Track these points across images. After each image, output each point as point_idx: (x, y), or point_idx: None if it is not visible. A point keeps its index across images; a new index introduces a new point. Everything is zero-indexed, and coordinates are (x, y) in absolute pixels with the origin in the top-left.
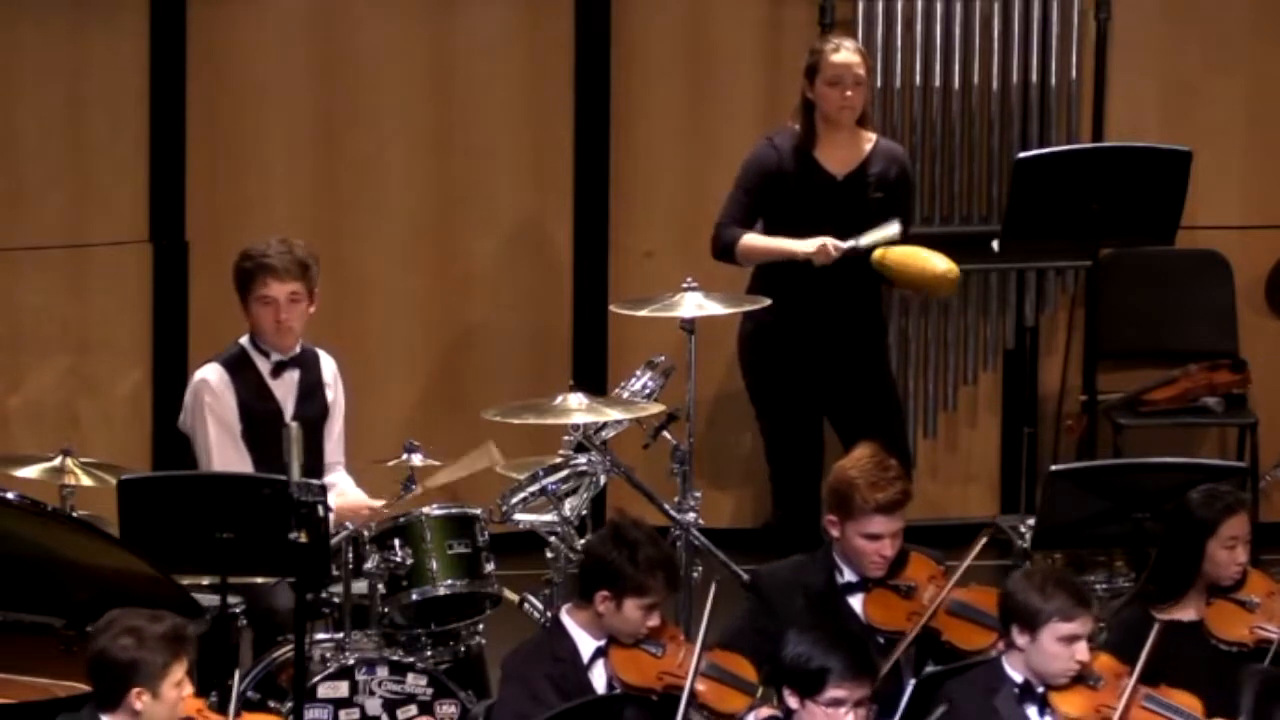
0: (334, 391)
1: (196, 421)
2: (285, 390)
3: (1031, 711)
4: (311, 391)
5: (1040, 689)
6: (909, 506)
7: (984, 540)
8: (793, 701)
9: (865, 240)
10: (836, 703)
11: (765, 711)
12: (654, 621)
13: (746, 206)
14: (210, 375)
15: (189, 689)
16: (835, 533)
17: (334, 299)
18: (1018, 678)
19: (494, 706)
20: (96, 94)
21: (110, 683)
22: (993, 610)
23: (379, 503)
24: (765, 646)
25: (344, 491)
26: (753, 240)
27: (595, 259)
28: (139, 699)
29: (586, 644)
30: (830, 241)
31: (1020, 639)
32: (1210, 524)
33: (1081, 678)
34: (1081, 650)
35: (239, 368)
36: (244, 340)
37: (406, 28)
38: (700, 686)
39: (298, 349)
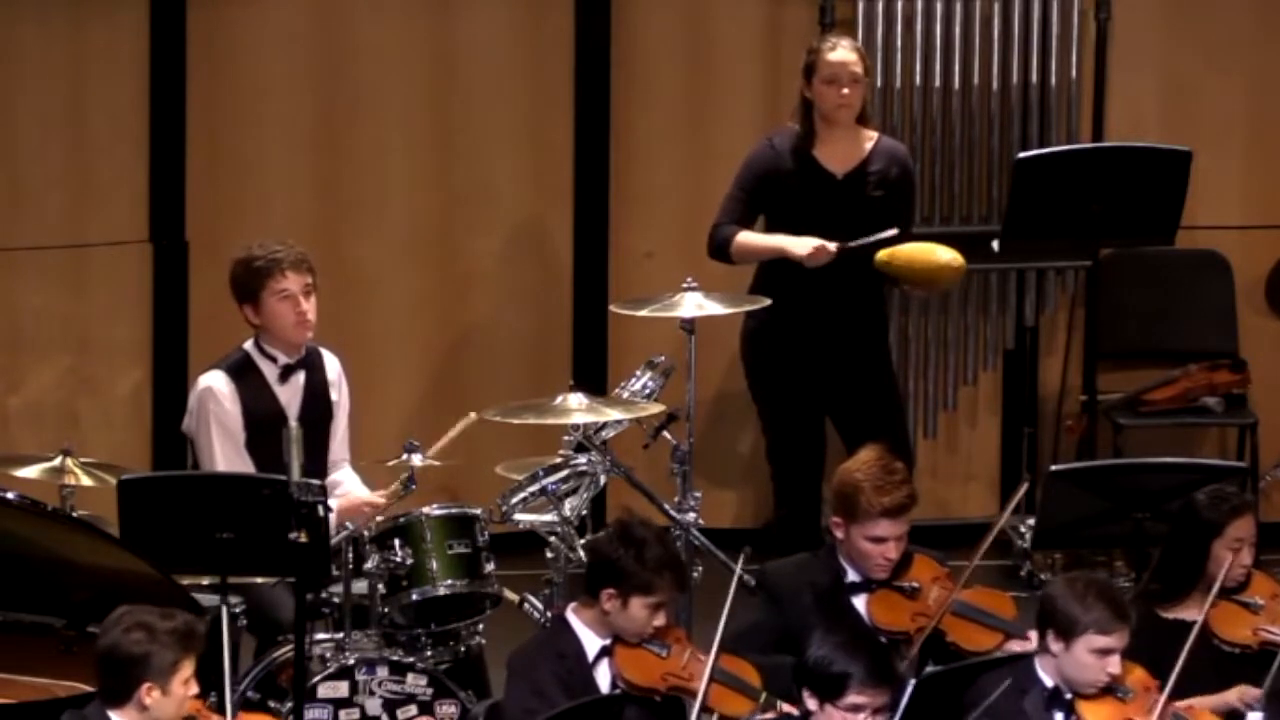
0: (339, 391)
1: (201, 429)
2: (291, 394)
3: (1058, 718)
4: (318, 393)
5: (1069, 696)
6: None
7: (989, 541)
8: (811, 704)
9: (861, 242)
10: (856, 709)
11: (771, 716)
12: (660, 621)
13: (743, 204)
14: (216, 383)
15: (195, 688)
16: (840, 534)
17: (334, 299)
18: (1048, 682)
19: (500, 703)
20: (96, 94)
21: (120, 677)
22: (997, 611)
23: (380, 498)
24: (777, 642)
25: (348, 490)
26: (747, 238)
27: (595, 259)
28: (149, 694)
29: (591, 642)
30: (824, 243)
31: (1054, 645)
32: (1217, 525)
33: (1111, 689)
34: (1114, 664)
35: (244, 373)
36: (248, 345)
37: (406, 28)
38: None
39: (303, 350)
